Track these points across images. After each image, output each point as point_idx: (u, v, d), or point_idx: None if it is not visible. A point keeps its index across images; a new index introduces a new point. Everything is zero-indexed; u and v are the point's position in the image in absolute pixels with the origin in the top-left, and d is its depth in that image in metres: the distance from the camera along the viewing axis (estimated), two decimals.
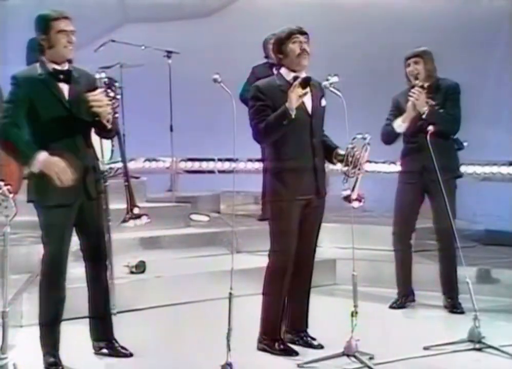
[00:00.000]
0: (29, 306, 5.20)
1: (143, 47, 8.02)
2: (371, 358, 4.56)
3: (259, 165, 8.73)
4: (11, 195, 3.88)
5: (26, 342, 4.83)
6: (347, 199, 4.62)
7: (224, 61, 8.00)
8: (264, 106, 4.69)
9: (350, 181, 4.65)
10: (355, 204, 4.61)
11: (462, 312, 5.75)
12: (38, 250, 5.88)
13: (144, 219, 5.94)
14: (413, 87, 5.77)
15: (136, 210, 5.92)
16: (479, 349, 4.82)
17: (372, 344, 4.64)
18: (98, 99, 4.34)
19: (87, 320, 4.72)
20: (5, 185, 3.87)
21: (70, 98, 4.38)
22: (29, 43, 7.76)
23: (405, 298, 6.00)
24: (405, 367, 4.62)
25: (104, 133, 4.60)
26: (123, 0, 9.55)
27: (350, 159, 4.65)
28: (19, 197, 4.46)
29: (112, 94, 5.19)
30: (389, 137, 5.91)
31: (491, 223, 7.88)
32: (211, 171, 9.52)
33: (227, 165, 9.36)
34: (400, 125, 5.80)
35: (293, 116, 4.56)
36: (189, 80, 8.44)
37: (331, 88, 4.68)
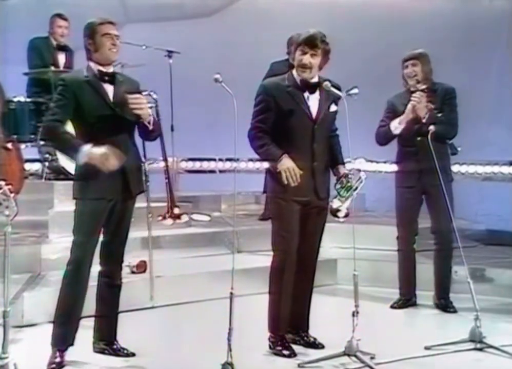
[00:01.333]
0: (30, 305, 5.21)
1: (144, 47, 8.01)
2: (372, 358, 4.56)
3: (260, 165, 8.75)
4: (12, 195, 3.88)
5: (27, 341, 4.83)
6: (334, 213, 4.65)
7: (225, 61, 8.02)
8: (267, 108, 4.70)
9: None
10: (341, 214, 4.65)
11: (455, 311, 5.78)
12: (39, 250, 5.91)
13: (184, 218, 6.33)
14: (409, 90, 5.78)
15: (176, 210, 6.28)
16: (480, 349, 4.82)
17: (373, 343, 4.64)
18: (138, 101, 4.48)
19: (88, 320, 4.72)
20: (7, 184, 3.87)
21: (115, 99, 4.52)
22: (29, 44, 7.79)
23: (406, 300, 6.00)
24: (406, 367, 4.62)
25: (147, 135, 4.71)
26: (124, 0, 9.56)
27: (343, 181, 4.69)
28: (20, 196, 4.46)
29: (155, 96, 5.47)
30: (385, 138, 5.90)
31: (492, 223, 7.89)
32: (212, 171, 9.53)
33: (227, 165, 9.37)
34: (397, 127, 5.79)
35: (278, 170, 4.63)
36: (190, 80, 8.44)
37: (332, 89, 4.68)
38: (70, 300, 4.49)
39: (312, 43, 4.66)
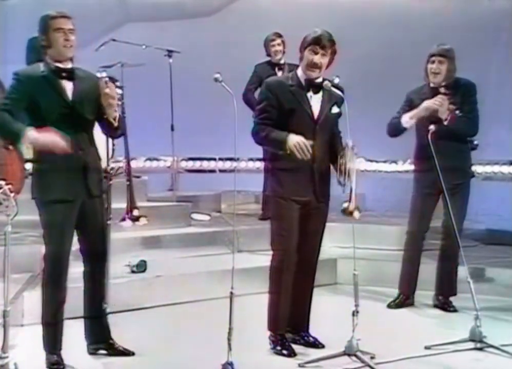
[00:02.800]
0: (30, 305, 5.20)
1: (144, 47, 8.02)
2: (372, 357, 4.56)
3: (260, 165, 8.75)
4: (12, 194, 3.88)
5: (27, 341, 4.83)
6: (345, 211, 4.60)
7: (225, 60, 8.01)
8: (270, 106, 4.70)
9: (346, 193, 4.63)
10: (356, 215, 4.58)
11: (455, 311, 5.78)
12: (39, 250, 5.90)
13: (142, 221, 5.97)
14: (429, 85, 5.72)
15: (135, 212, 5.97)
16: (480, 349, 4.82)
17: (373, 343, 4.64)
18: (112, 88, 4.35)
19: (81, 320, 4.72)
20: (7, 184, 3.87)
21: (73, 96, 4.38)
22: (29, 43, 7.76)
23: (404, 298, 5.99)
24: (406, 367, 4.62)
25: (112, 132, 4.61)
26: (124, 0, 9.55)
27: (341, 167, 4.65)
28: (21, 196, 4.46)
29: (120, 91, 5.19)
30: (394, 130, 5.82)
31: (492, 223, 7.88)
32: (212, 171, 9.52)
33: (228, 165, 9.36)
34: (407, 121, 5.73)
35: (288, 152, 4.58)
36: (190, 79, 8.44)
37: (332, 88, 4.68)
38: (52, 307, 4.44)
39: (322, 43, 4.67)
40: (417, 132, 5.85)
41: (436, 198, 5.82)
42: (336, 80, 4.67)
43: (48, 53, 4.39)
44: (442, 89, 5.69)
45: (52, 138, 4.17)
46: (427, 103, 5.64)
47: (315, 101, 4.75)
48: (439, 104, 5.58)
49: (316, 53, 4.68)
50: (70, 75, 4.39)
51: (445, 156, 5.34)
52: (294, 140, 4.57)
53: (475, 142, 6.05)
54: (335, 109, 4.77)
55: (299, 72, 4.79)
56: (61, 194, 4.34)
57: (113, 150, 7.28)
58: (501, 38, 8.45)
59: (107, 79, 4.48)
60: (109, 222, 5.37)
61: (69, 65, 4.42)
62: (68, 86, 4.38)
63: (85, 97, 4.38)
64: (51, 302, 4.44)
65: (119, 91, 5.27)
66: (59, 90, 4.36)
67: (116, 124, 4.43)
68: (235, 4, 9.59)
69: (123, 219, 5.98)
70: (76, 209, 4.42)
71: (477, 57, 8.15)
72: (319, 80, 4.75)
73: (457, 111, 5.66)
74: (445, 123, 5.58)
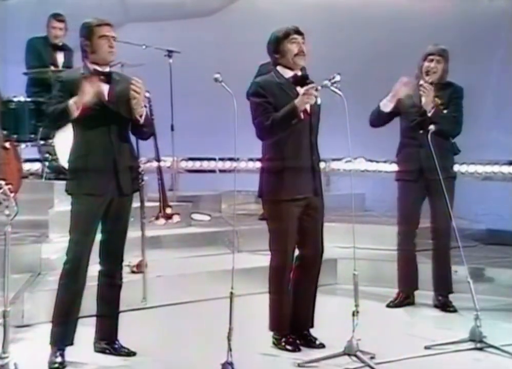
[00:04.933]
0: (30, 305, 5.21)
1: (144, 47, 8.02)
2: (372, 357, 4.56)
3: (260, 165, 8.74)
4: (12, 194, 3.88)
5: (27, 341, 4.84)
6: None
7: (225, 61, 8.01)
8: (267, 103, 4.70)
9: None
10: None
11: (455, 311, 5.78)
12: (40, 250, 5.91)
13: (175, 219, 6.12)
14: (419, 83, 5.74)
15: (168, 210, 6.28)
16: (480, 349, 4.82)
17: (373, 343, 4.64)
18: (139, 85, 4.50)
19: (89, 319, 4.72)
20: (7, 184, 3.87)
21: (109, 98, 4.55)
22: (27, 44, 7.78)
23: (403, 298, 6.00)
24: (406, 367, 4.62)
25: (139, 131, 4.71)
26: (124, 0, 9.55)
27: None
28: (20, 196, 4.46)
29: (148, 95, 5.44)
30: (375, 118, 5.80)
31: (492, 223, 7.88)
32: (212, 171, 9.52)
33: (228, 165, 9.37)
34: (385, 104, 5.71)
35: (301, 116, 4.57)
36: (190, 79, 8.44)
37: (332, 88, 4.68)
38: (68, 299, 4.50)
39: (298, 30, 4.78)
40: (401, 130, 5.90)
41: (421, 194, 5.85)
42: (338, 78, 4.67)
43: (90, 58, 4.58)
44: (427, 78, 5.72)
45: (87, 90, 4.37)
46: (398, 82, 5.63)
47: None
48: (426, 92, 5.60)
49: (297, 42, 4.75)
50: (107, 77, 4.58)
51: (429, 152, 5.35)
52: (300, 97, 4.61)
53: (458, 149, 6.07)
54: (319, 101, 4.81)
55: (280, 69, 4.82)
56: (91, 189, 4.50)
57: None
58: (502, 38, 8.45)
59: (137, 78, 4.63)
60: (143, 220, 5.71)
61: (107, 69, 4.61)
62: (105, 88, 4.55)
63: (119, 97, 4.54)
64: (67, 293, 4.49)
65: (148, 94, 5.45)
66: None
67: (142, 121, 4.56)
68: (235, 4, 9.59)
69: (157, 217, 6.13)
70: (104, 205, 4.55)
71: (477, 57, 8.15)
72: (299, 73, 4.80)
73: (445, 111, 5.69)
74: (429, 115, 5.61)
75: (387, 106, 5.72)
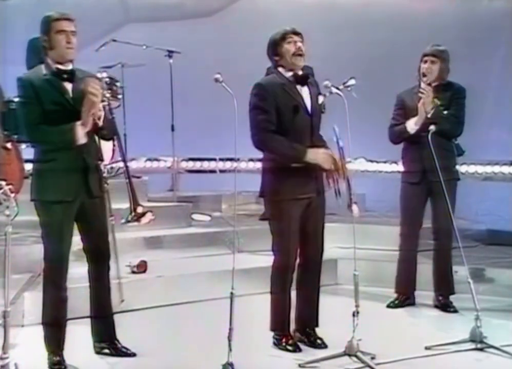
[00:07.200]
0: (30, 305, 5.21)
1: (144, 47, 8.02)
2: (372, 358, 4.56)
3: (260, 165, 8.73)
4: (12, 194, 3.87)
5: (27, 341, 4.84)
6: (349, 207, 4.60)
7: (226, 61, 8.00)
8: (269, 106, 4.69)
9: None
10: (355, 210, 4.58)
11: (456, 311, 5.78)
12: (40, 250, 5.90)
13: (149, 216, 5.99)
14: (420, 85, 5.73)
15: (139, 209, 5.98)
16: (480, 349, 4.82)
17: (373, 343, 4.64)
18: (96, 87, 4.34)
19: (89, 320, 4.72)
20: (7, 184, 3.86)
21: (74, 96, 4.41)
22: (29, 44, 7.77)
23: (404, 298, 5.99)
24: (406, 367, 4.61)
25: (100, 133, 4.55)
26: (124, 0, 9.55)
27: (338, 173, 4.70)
28: (21, 196, 4.46)
29: (108, 95, 5.17)
30: (399, 137, 5.84)
31: (492, 223, 7.88)
32: (213, 171, 9.51)
33: (228, 165, 9.35)
34: (413, 128, 5.73)
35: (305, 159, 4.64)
36: (190, 79, 8.43)
37: (332, 88, 4.68)
38: (52, 306, 4.45)
39: (295, 30, 4.79)
40: None
41: (424, 196, 5.85)
42: (352, 81, 4.68)
43: (49, 54, 4.42)
44: (425, 79, 5.71)
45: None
46: (420, 102, 5.64)
47: (305, 94, 4.80)
48: (425, 94, 5.60)
49: (295, 42, 4.76)
50: (70, 76, 4.43)
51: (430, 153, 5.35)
52: (316, 153, 4.65)
53: (463, 150, 6.06)
54: (320, 100, 4.82)
55: (281, 70, 4.82)
56: (60, 195, 4.35)
57: (113, 151, 7.31)
58: (502, 38, 8.44)
59: (107, 79, 4.48)
60: (112, 222, 5.45)
61: (69, 67, 4.45)
62: (69, 87, 4.42)
63: (83, 96, 4.36)
64: (51, 302, 4.44)
65: (118, 92, 5.26)
66: (62, 91, 4.40)
67: (100, 123, 4.41)
68: (235, 5, 9.58)
69: (128, 221, 6.01)
70: (75, 209, 4.43)
71: (477, 57, 8.15)
72: (303, 72, 4.80)
73: (445, 112, 5.69)
74: (428, 116, 5.60)
75: (414, 129, 5.74)
